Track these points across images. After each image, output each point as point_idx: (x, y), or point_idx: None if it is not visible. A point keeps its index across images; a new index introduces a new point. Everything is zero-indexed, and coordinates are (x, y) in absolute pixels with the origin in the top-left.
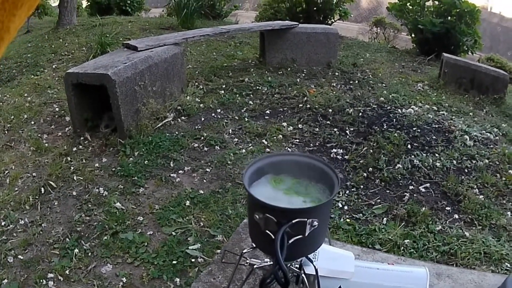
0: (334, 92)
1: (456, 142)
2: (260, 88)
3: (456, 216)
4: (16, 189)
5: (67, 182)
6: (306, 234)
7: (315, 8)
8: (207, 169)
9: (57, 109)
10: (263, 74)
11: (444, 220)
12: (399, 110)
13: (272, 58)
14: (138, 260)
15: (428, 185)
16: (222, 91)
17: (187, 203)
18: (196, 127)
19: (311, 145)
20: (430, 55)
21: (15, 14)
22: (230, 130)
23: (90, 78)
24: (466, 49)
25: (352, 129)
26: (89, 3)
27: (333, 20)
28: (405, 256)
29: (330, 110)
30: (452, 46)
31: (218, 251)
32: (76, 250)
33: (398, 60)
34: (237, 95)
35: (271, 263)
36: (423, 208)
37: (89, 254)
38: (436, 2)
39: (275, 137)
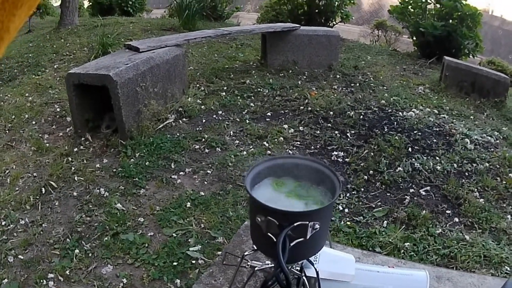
0: (335, 95)
1: (456, 146)
2: (261, 90)
3: (456, 219)
4: (17, 189)
5: (68, 182)
6: (308, 237)
7: (316, 11)
8: (208, 171)
9: (58, 109)
10: (264, 76)
11: (445, 223)
12: (400, 113)
13: (273, 60)
14: (138, 261)
15: (428, 188)
16: (224, 93)
17: (188, 204)
18: (197, 128)
19: (312, 147)
20: (431, 58)
21: (15, 14)
22: (231, 132)
23: (91, 79)
24: (467, 52)
25: (353, 131)
26: (90, 3)
27: (334, 23)
28: (405, 259)
29: (331, 113)
30: (454, 49)
31: (219, 253)
32: (77, 251)
33: (399, 63)
34: (239, 97)
35: (272, 265)
36: (424, 211)
37: (90, 254)
38: (438, 5)
39: (276, 140)
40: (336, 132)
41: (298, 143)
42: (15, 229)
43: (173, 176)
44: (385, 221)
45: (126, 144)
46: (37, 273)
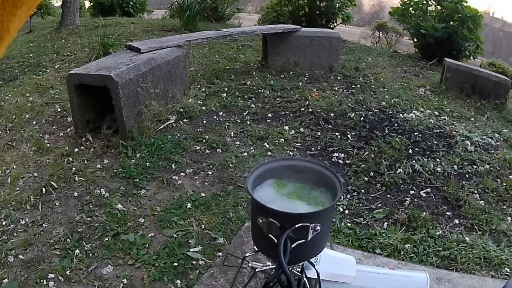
0: (336, 96)
1: (457, 147)
2: (262, 91)
3: (456, 221)
4: (17, 189)
5: (68, 182)
6: (309, 238)
7: (317, 12)
8: (209, 172)
9: (59, 109)
10: (265, 78)
11: (445, 225)
12: (401, 114)
13: (274, 61)
14: (139, 262)
15: (429, 190)
16: (224, 94)
17: (189, 205)
18: (198, 129)
19: (313, 149)
20: (432, 60)
21: (15, 14)
22: (232, 133)
23: (92, 79)
24: (468, 54)
25: (353, 133)
26: (91, 4)
27: (335, 24)
28: (406, 260)
29: (332, 114)
30: (454, 51)
31: (219, 253)
32: (77, 251)
33: (400, 65)
34: (239, 98)
35: (273, 266)
36: (424, 213)
37: (90, 255)
38: (439, 7)
39: (276, 141)
40: (337, 133)
41: (299, 144)
42: (15, 229)
43: (173, 177)
44: (386, 223)
45: (127, 145)
46: (37, 273)
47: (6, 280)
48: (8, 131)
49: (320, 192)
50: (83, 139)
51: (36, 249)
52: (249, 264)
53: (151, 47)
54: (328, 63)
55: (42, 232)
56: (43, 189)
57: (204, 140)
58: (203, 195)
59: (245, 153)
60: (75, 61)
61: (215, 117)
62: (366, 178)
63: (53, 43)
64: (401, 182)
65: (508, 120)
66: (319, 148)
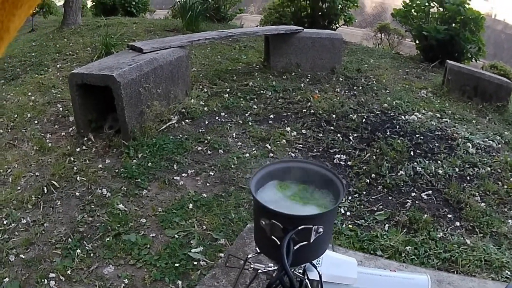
0: (338, 98)
1: (458, 150)
2: (264, 92)
3: (457, 223)
4: (19, 188)
5: (70, 182)
6: (311, 240)
7: (320, 13)
8: (211, 173)
9: (61, 109)
10: (267, 79)
11: (446, 227)
12: (403, 116)
13: (276, 62)
14: (140, 262)
15: (430, 192)
16: (226, 95)
17: (190, 206)
18: (200, 130)
19: (315, 150)
20: (434, 62)
21: (15, 14)
22: (234, 134)
23: (95, 79)
24: (470, 56)
25: (355, 135)
26: (94, 3)
27: (337, 25)
28: (407, 262)
29: (334, 116)
30: (456, 53)
31: (221, 254)
32: (78, 251)
33: (402, 67)
34: (241, 99)
35: (275, 268)
36: (425, 215)
37: (91, 255)
38: (441, 9)
39: (278, 142)
40: (339, 135)
41: (301, 145)
42: (16, 228)
43: (175, 178)
44: (387, 225)
45: (128, 145)
46: (38, 273)
47: (7, 279)
48: (9, 130)
49: (323, 194)
50: (85, 138)
51: (37, 248)
52: (251, 266)
53: (154, 47)
54: (330, 64)
55: (43, 232)
56: (45, 188)
57: (206, 141)
58: (205, 195)
59: (247, 154)
60: (77, 61)
61: (217, 117)
62: (368, 180)
63: (55, 42)
64: (402, 184)
65: (510, 123)
66: (321, 149)
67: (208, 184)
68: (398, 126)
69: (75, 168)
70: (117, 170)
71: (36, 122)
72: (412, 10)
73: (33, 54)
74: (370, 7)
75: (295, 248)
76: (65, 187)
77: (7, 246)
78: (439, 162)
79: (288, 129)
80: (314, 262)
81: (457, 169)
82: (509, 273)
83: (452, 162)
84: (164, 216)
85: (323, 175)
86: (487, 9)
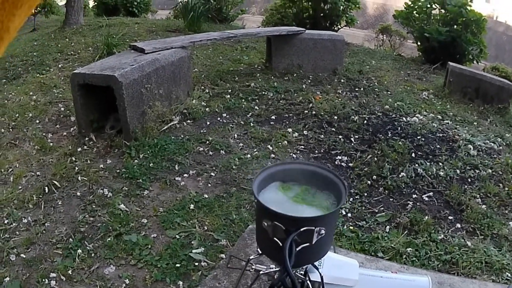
0: (340, 99)
1: (459, 152)
2: (266, 93)
3: (458, 225)
4: (20, 187)
5: (71, 182)
6: (313, 242)
7: (321, 14)
8: (212, 173)
9: (62, 108)
10: (269, 80)
11: (447, 229)
12: (404, 118)
13: (278, 63)
14: (141, 262)
15: (431, 194)
16: (228, 96)
17: (192, 206)
18: (202, 131)
19: (316, 151)
20: (436, 64)
21: (15, 14)
22: (236, 135)
23: (96, 79)
24: (472, 58)
25: (357, 136)
26: (95, 3)
27: (339, 27)
28: (407, 264)
29: (336, 117)
30: (458, 55)
31: (222, 255)
32: (79, 251)
33: (404, 68)
34: (243, 100)
35: (277, 269)
36: (426, 217)
37: (92, 255)
38: (443, 11)
39: (280, 143)
40: (340, 136)
41: (302, 147)
42: (17, 228)
43: (177, 178)
44: (388, 226)
45: (130, 145)
46: (39, 272)
47: (7, 278)
48: (11, 130)
49: (325, 196)
50: (86, 138)
51: (38, 248)
52: (253, 267)
53: (156, 48)
54: (332, 65)
55: (44, 231)
56: (46, 188)
57: (207, 142)
58: (206, 196)
59: (249, 155)
60: (79, 61)
61: (218, 118)
62: (369, 182)
63: (57, 42)
64: (403, 186)
65: (511, 125)
66: (322, 151)
67: (209, 185)
68: (399, 128)
69: (77, 168)
70: (118, 170)
71: (37, 121)
72: (414, 12)
73: (34, 53)
74: (372, 8)
75: (297, 249)
76: (66, 187)
77: (8, 245)
78: (440, 164)
79: (290, 130)
80: (316, 263)
81: (458, 171)
82: (509, 275)
83: (453, 164)
84: (165, 217)
85: (326, 177)
86: (488, 11)
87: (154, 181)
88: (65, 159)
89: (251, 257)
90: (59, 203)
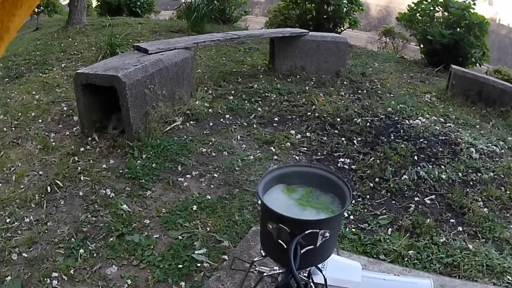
0: (343, 101)
1: (462, 155)
2: (269, 95)
3: (460, 228)
4: (22, 186)
5: (73, 182)
6: (318, 244)
7: (325, 16)
8: (215, 175)
9: (65, 108)
10: (272, 81)
11: (448, 232)
12: (407, 121)
13: (281, 65)
14: (143, 263)
15: (433, 197)
16: (231, 97)
17: (194, 207)
18: (205, 132)
19: (319, 153)
20: (439, 66)
21: (15, 14)
22: (239, 136)
23: (100, 79)
24: (474, 61)
25: (359, 139)
26: (99, 3)
27: (342, 29)
28: (409, 267)
29: (338, 119)
30: (461, 58)
31: (224, 256)
32: (82, 250)
33: (407, 71)
34: (246, 101)
35: (281, 271)
36: (428, 220)
37: (95, 255)
38: (446, 13)
39: (283, 145)
40: (343, 139)
41: (305, 149)
42: (19, 227)
43: (179, 179)
44: (390, 229)
45: (133, 146)
46: (41, 272)
47: (9, 277)
48: (13, 129)
49: (329, 198)
50: (89, 138)
51: (40, 247)
52: (256, 268)
53: (159, 48)
54: (335, 67)
55: (46, 231)
56: (48, 187)
57: (210, 143)
58: (209, 197)
59: (251, 157)
60: (82, 60)
61: (221, 119)
62: (371, 184)
63: (60, 42)
64: (406, 189)
65: None
66: (325, 153)
67: (212, 186)
68: (402, 131)
69: (79, 167)
70: (121, 171)
71: (40, 121)
72: (417, 14)
73: (37, 53)
74: (375, 10)
75: (302, 252)
76: (69, 187)
77: (10, 244)
78: (443, 167)
79: (293, 132)
80: (320, 265)
81: (460, 174)
82: (510, 278)
83: (455, 167)
84: (168, 217)
85: (330, 180)
86: (491, 14)
87: (156, 181)
88: (67, 159)
89: (255, 259)
90: (62, 202)
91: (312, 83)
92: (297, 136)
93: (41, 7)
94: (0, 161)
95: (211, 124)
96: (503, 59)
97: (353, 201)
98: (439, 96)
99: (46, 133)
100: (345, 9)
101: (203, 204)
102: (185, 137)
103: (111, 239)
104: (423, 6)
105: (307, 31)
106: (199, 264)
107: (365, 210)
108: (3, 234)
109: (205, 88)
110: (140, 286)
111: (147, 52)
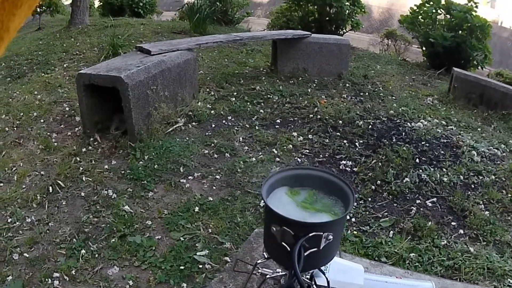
0: (345, 104)
1: (463, 158)
2: (271, 96)
3: (461, 231)
4: (24, 186)
5: (75, 182)
6: (321, 247)
7: (327, 18)
8: (217, 176)
9: (67, 108)
10: (274, 83)
11: (450, 235)
12: (408, 123)
13: (283, 67)
14: (145, 264)
15: (435, 199)
16: (233, 99)
17: (196, 209)
18: (207, 133)
19: (321, 156)
20: (441, 69)
21: (14, 14)
22: (241, 138)
23: (102, 80)
24: (476, 64)
25: (361, 141)
26: (101, 3)
27: (345, 31)
28: (410, 269)
29: (340, 122)
30: (463, 61)
31: (226, 258)
32: (83, 251)
33: (409, 73)
34: (248, 103)
35: (284, 273)
36: (429, 223)
37: (96, 255)
38: (448, 16)
39: (285, 147)
40: (345, 141)
41: (307, 151)
42: (21, 227)
43: (181, 180)
44: (391, 232)
45: (135, 146)
46: (42, 272)
47: (10, 277)
48: (15, 128)
49: (332, 201)
50: (91, 139)
51: (42, 247)
52: (259, 270)
53: (162, 50)
54: (337, 70)
55: (48, 231)
56: (50, 187)
57: (212, 144)
58: (211, 199)
59: (253, 158)
60: (84, 61)
61: (223, 121)
62: (373, 187)
63: (62, 42)
64: (407, 191)
65: None
66: (327, 155)
67: (214, 188)
68: (404, 133)
69: (81, 168)
70: (123, 172)
71: (42, 121)
72: (419, 17)
73: (40, 52)
74: (377, 12)
75: (305, 254)
76: (71, 187)
77: (11, 244)
78: (444, 169)
79: (295, 134)
80: (322, 268)
81: (461, 177)
82: (511, 281)
83: (457, 170)
84: (170, 219)
85: (333, 183)
86: (493, 17)
87: (158, 182)
88: (69, 159)
89: (258, 261)
90: (63, 203)
91: (314, 85)
92: (299, 138)
93: (43, 7)
94: (2, 161)
95: (213, 125)
96: (505, 62)
97: (355, 204)
98: (441, 98)
99: (48, 133)
100: (347, 11)
101: (205, 206)
102: (187, 138)
103: (113, 240)
104: (425, 8)
105: (309, 33)
106: (201, 266)
107: (367, 213)
108: (4, 234)
109: (207, 90)
110: (141, 287)
111: (149, 53)
